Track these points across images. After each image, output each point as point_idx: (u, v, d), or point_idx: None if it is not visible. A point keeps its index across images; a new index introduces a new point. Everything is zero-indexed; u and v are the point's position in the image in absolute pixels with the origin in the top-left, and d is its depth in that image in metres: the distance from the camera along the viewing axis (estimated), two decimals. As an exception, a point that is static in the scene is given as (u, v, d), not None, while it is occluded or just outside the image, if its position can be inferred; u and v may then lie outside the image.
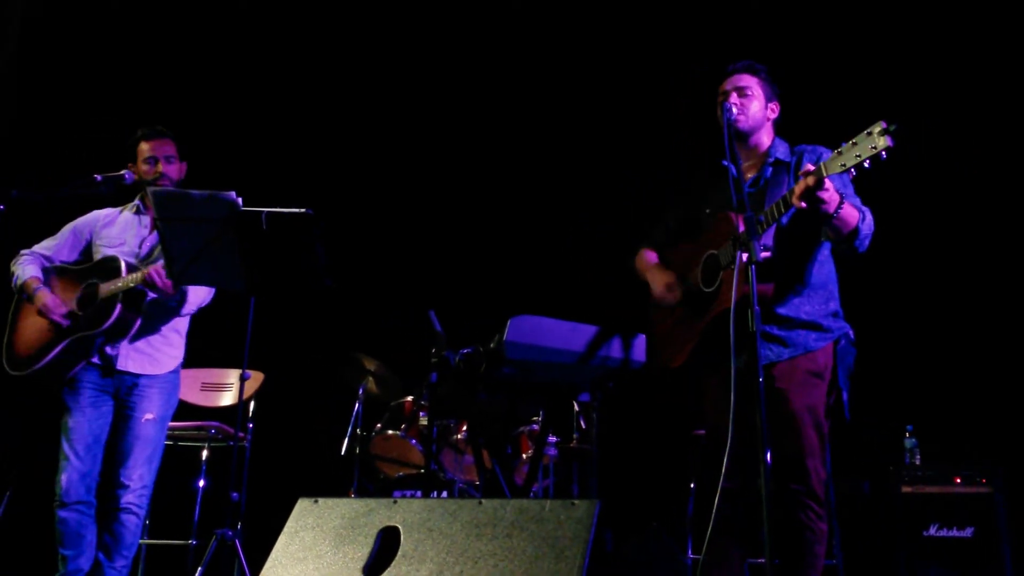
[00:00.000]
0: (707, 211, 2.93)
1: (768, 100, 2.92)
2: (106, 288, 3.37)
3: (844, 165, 2.37)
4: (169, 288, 3.29)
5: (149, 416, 3.40)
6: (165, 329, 3.52)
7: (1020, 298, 4.71)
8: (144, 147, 3.53)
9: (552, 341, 2.65)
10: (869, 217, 2.67)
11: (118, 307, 3.32)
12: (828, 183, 2.45)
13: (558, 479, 4.68)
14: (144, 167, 3.51)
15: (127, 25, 5.74)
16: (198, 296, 3.53)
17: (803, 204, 2.48)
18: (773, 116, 2.94)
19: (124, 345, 3.41)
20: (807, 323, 2.74)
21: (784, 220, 2.65)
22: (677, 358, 2.80)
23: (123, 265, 3.37)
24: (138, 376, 3.43)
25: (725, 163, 2.95)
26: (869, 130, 2.33)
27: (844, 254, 2.74)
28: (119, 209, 3.66)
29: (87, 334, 3.35)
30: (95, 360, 3.39)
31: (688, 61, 5.03)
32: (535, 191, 5.70)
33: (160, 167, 3.50)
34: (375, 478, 4.75)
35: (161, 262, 3.26)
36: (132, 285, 3.31)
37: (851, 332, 2.81)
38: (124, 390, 3.42)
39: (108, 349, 3.39)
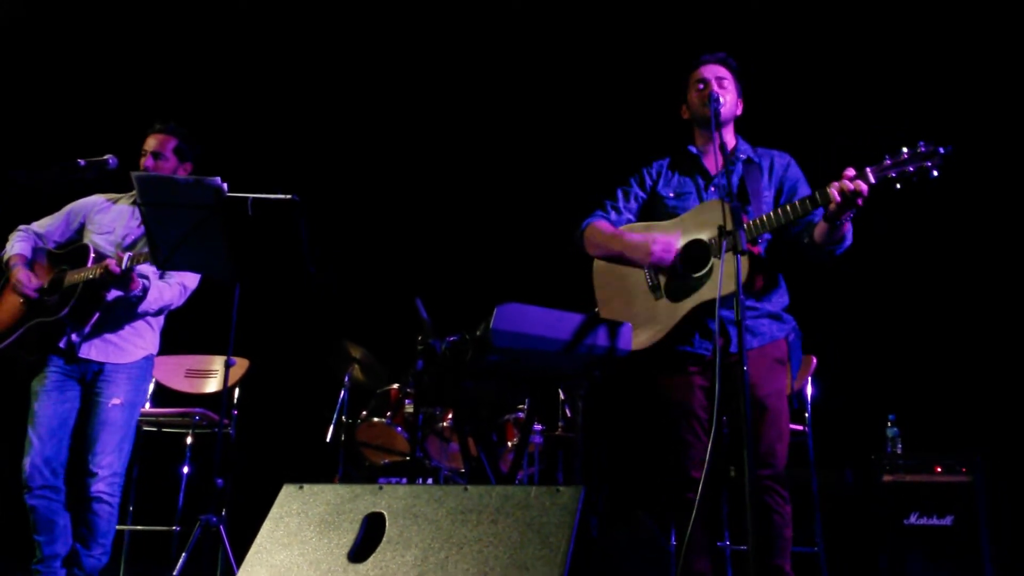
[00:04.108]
0: (670, 195, 2.94)
1: (738, 96, 2.96)
2: (71, 276, 3.38)
3: (892, 176, 2.40)
4: (133, 283, 3.30)
5: (116, 401, 3.39)
6: (134, 320, 3.50)
7: (1001, 290, 4.76)
8: (147, 140, 3.57)
9: (538, 329, 2.64)
10: (851, 229, 2.71)
11: (75, 296, 3.33)
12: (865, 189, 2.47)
13: (543, 467, 4.69)
14: (140, 160, 3.54)
15: (117, 11, 5.68)
16: (161, 298, 3.49)
17: (840, 204, 2.48)
18: (738, 113, 2.98)
19: (88, 333, 3.40)
20: (771, 314, 2.81)
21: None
22: (642, 340, 2.78)
23: (90, 256, 3.39)
24: (102, 363, 3.43)
25: (692, 149, 2.98)
26: (921, 146, 2.37)
27: (817, 258, 2.77)
28: (119, 196, 3.67)
29: (47, 320, 3.36)
30: (61, 346, 3.40)
31: (665, 54, 5.04)
32: (522, 179, 5.69)
33: (142, 161, 3.53)
34: (360, 465, 4.75)
35: (127, 256, 3.26)
36: (92, 277, 3.31)
37: (796, 324, 2.87)
38: (90, 376, 3.43)
39: (73, 336, 3.39)
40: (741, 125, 3.03)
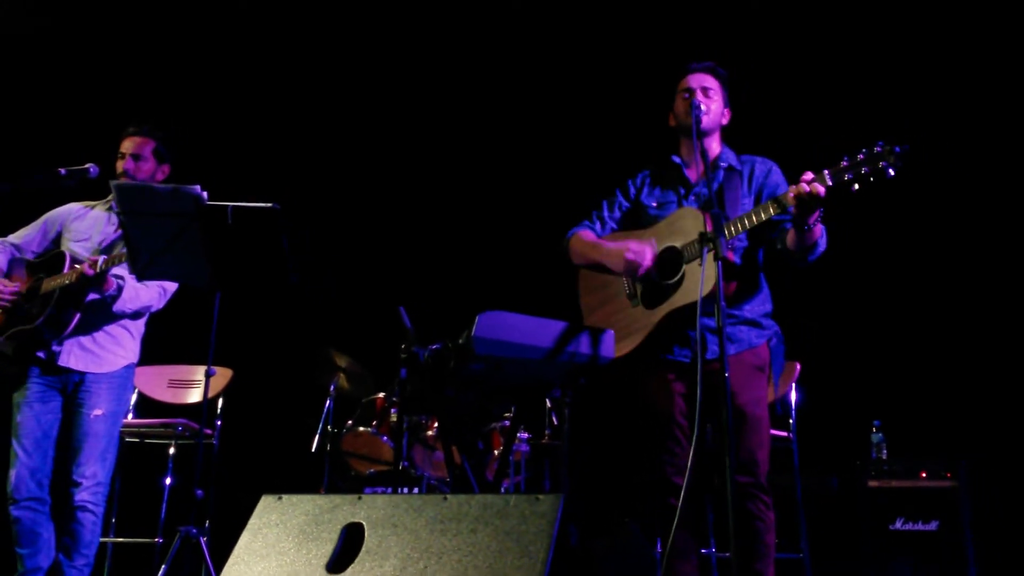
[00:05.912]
0: (653, 204, 2.95)
1: (724, 105, 2.97)
2: (47, 284, 3.35)
3: (849, 178, 2.39)
4: (107, 284, 3.26)
5: (98, 412, 3.36)
6: (112, 328, 3.47)
7: (985, 295, 4.78)
8: (123, 143, 3.54)
9: (520, 337, 2.64)
10: (825, 236, 2.72)
11: (52, 303, 3.30)
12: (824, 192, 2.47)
13: (529, 475, 4.68)
14: (117, 162, 3.51)
15: (99, 15, 5.67)
16: (138, 298, 3.45)
17: (799, 207, 2.49)
18: (724, 122, 2.99)
19: (67, 342, 3.37)
20: (749, 320, 2.82)
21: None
22: (622, 347, 2.80)
23: (66, 262, 3.36)
24: (83, 373, 3.40)
25: (675, 159, 2.99)
26: (878, 146, 2.36)
27: (791, 264, 2.77)
28: (95, 203, 3.64)
29: (25, 328, 3.32)
30: (40, 355, 3.36)
31: (651, 61, 5.05)
32: (504, 187, 5.69)
33: (119, 164, 3.51)
34: (346, 475, 4.73)
35: (102, 258, 3.23)
36: (68, 282, 3.28)
37: (779, 330, 2.87)
38: (71, 387, 3.40)
39: (53, 346, 3.36)
40: (730, 131, 3.04)
